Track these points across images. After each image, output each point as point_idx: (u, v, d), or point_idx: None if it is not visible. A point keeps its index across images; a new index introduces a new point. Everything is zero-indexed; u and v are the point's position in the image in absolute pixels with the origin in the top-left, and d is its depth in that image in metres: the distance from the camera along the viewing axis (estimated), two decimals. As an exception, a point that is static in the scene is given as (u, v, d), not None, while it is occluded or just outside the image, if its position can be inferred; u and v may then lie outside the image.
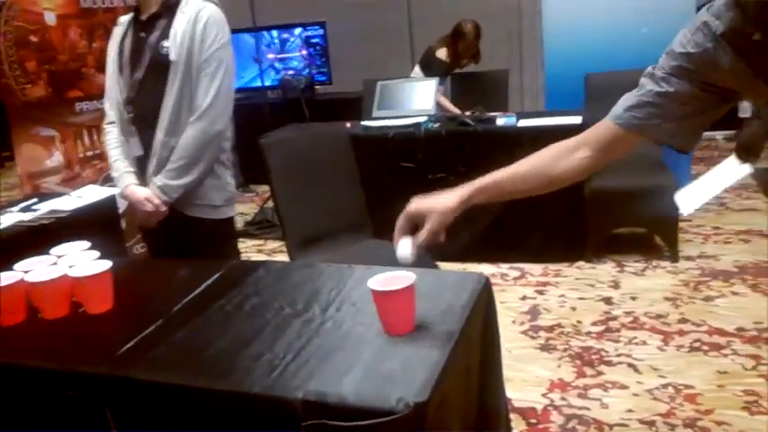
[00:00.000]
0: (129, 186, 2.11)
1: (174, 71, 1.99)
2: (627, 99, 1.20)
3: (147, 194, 2.07)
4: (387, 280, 1.26)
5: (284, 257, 2.76)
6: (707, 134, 6.06)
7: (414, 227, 1.28)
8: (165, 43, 2.00)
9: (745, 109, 6.00)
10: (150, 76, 2.04)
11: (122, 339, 1.35)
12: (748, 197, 4.50)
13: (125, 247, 3.24)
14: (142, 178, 2.12)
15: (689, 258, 3.54)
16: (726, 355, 2.58)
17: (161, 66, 2.01)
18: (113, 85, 2.13)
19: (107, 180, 3.12)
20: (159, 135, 2.04)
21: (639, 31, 3.99)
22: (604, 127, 1.22)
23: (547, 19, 4.16)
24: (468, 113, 4.33)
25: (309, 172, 2.71)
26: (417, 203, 1.29)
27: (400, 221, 1.29)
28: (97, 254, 1.61)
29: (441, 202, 1.28)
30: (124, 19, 2.17)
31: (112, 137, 2.17)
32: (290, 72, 6.14)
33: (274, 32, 6.22)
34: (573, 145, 1.26)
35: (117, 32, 2.15)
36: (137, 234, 3.45)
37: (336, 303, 1.42)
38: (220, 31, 2.03)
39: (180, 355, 1.29)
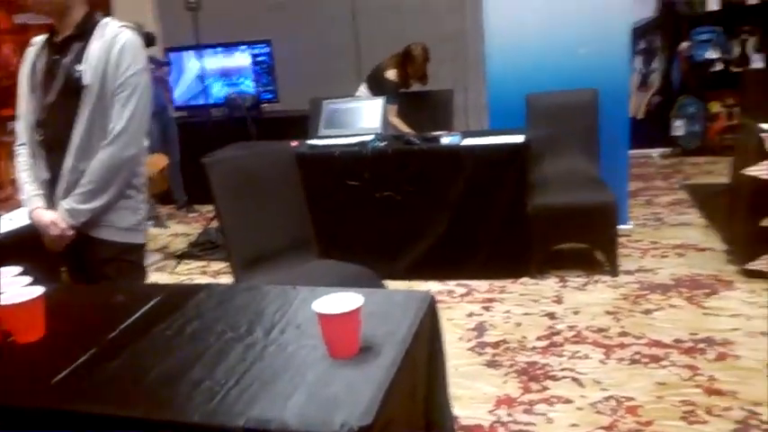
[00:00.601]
0: (36, 210, 2.07)
1: (87, 95, 1.97)
2: None
3: (53, 218, 2.03)
4: (332, 302, 1.25)
5: (229, 279, 2.71)
6: (643, 152, 6.31)
7: None
8: (79, 67, 1.97)
9: (679, 127, 6.27)
10: (62, 99, 2.00)
11: (55, 369, 1.29)
12: (682, 212, 4.67)
13: (59, 272, 3.12)
14: (50, 201, 2.07)
15: (628, 272, 3.65)
16: (664, 367, 2.66)
17: (74, 89, 1.98)
18: (25, 106, 2.08)
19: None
20: (69, 159, 2.00)
21: (577, 52, 4.12)
22: None
23: (489, 41, 4.25)
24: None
25: (254, 191, 2.67)
26: None
27: None
28: (29, 279, 1.55)
29: None
30: (38, 39, 2.12)
31: (23, 159, 2.12)
32: (236, 91, 6.08)
33: (219, 50, 6.16)
34: None
35: (30, 53, 2.11)
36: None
37: (280, 326, 1.40)
38: (136, 57, 2.01)
39: (116, 383, 1.25)
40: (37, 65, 2.06)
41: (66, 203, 2.02)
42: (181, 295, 1.62)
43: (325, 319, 1.23)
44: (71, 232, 2.03)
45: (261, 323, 1.42)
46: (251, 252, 2.62)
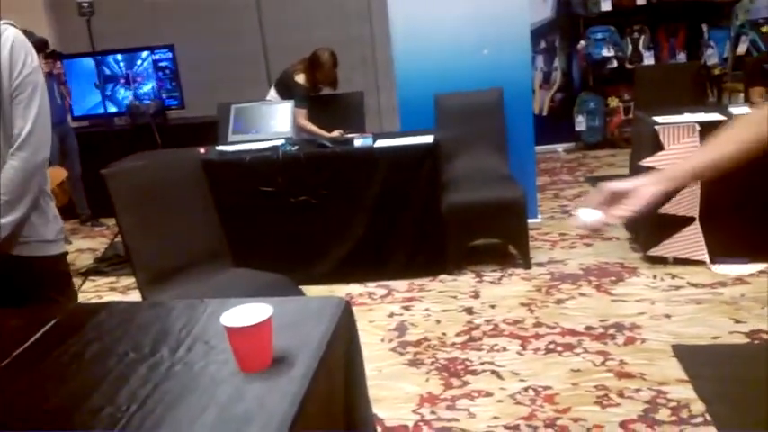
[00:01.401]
0: None
1: None
2: None
3: None
4: (242, 314, 1.20)
5: (139, 295, 2.58)
6: (549, 147, 6.55)
7: (608, 202, 1.25)
8: None
9: (581, 123, 6.55)
10: None
11: (-61, 404, 1.18)
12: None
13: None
14: None
15: (540, 264, 3.76)
16: (578, 354, 2.75)
17: None
18: None
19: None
20: None
21: (481, 53, 4.22)
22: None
23: (396, 44, 4.28)
24: (338, 133, 4.35)
25: (159, 202, 2.56)
26: (616, 183, 1.25)
27: (592, 197, 1.26)
28: None
29: (644, 185, 1.24)
30: None
31: None
32: (139, 98, 5.84)
33: (118, 57, 5.91)
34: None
35: None
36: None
37: (187, 343, 1.33)
38: (29, 55, 1.86)
39: (8, 415, 1.15)
40: None
41: None
42: (79, 316, 1.52)
43: (233, 332, 1.17)
44: None
45: (166, 341, 1.34)
46: (159, 266, 2.51)
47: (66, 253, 2.06)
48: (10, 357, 1.35)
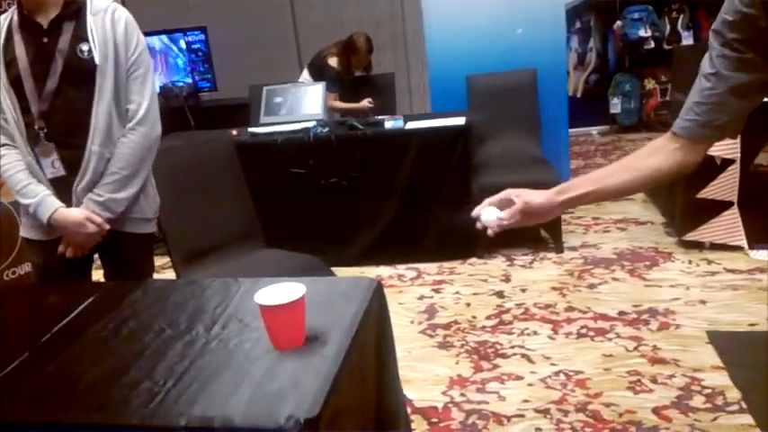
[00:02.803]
0: (59, 210, 1.85)
1: (101, 75, 1.81)
2: (683, 111, 1.21)
3: (86, 214, 1.84)
4: (275, 293, 1.21)
5: (173, 274, 2.63)
6: (583, 130, 6.44)
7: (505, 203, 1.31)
8: (84, 47, 1.81)
9: (616, 105, 6.42)
10: (67, 84, 1.82)
11: (-16, 377, 1.22)
12: (622, 188, 4.78)
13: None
14: (63, 200, 1.88)
15: (572, 249, 3.72)
16: (610, 339, 2.72)
17: (81, 72, 1.81)
18: (2, 102, 1.85)
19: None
20: (93, 146, 1.83)
21: (514, 33, 4.15)
22: (667, 143, 1.24)
23: (428, 23, 4.24)
24: (367, 101, 4.36)
25: (194, 183, 2.59)
26: (514, 189, 1.32)
27: (494, 197, 1.33)
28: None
29: (535, 192, 1.30)
30: None
31: (10, 159, 1.87)
32: (172, 80, 5.90)
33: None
34: (667, 138, 1.25)
35: None
36: (6, 259, 3.19)
37: (222, 320, 1.35)
38: (140, 33, 1.90)
39: (50, 389, 1.18)
40: (14, 52, 1.83)
41: (97, 195, 1.84)
42: (116, 293, 1.55)
43: (267, 310, 1.19)
44: (108, 226, 1.87)
45: (201, 319, 1.36)
46: (193, 246, 2.54)
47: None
48: (50, 333, 1.39)
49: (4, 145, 1.88)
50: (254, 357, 1.19)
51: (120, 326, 1.38)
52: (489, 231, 1.32)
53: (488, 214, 1.31)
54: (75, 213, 1.85)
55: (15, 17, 1.86)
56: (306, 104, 4.14)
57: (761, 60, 1.08)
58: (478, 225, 1.33)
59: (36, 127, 1.84)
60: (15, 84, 1.83)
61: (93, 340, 1.33)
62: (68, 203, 1.88)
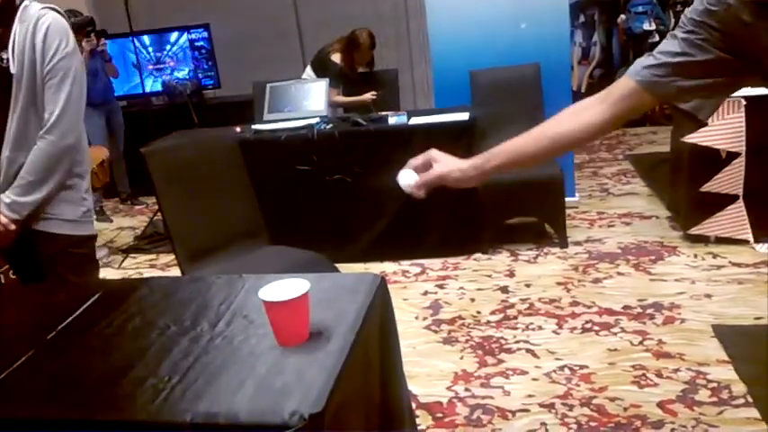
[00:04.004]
0: None
1: (17, 84, 1.86)
2: (645, 58, 1.19)
3: None
4: (279, 289, 1.21)
5: (179, 271, 2.64)
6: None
7: (425, 166, 1.33)
8: (4, 55, 1.85)
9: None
10: None
11: (-9, 374, 1.22)
12: (627, 182, 4.78)
13: (-2, 272, 2.99)
14: None
15: (577, 243, 3.71)
16: (615, 334, 2.72)
17: (1, 79, 1.86)
18: None
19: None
20: (5, 152, 1.90)
21: (518, 28, 4.14)
22: (622, 83, 1.22)
23: (432, 19, 4.23)
24: (370, 95, 4.37)
25: (197, 180, 2.60)
26: (437, 153, 1.34)
27: (416, 158, 1.35)
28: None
29: (455, 161, 1.33)
30: None
31: None
32: (176, 78, 5.91)
33: (156, 36, 5.97)
34: (588, 102, 1.26)
35: None
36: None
37: (227, 317, 1.35)
38: (63, 40, 1.90)
39: (56, 386, 1.19)
40: None
41: (5, 197, 1.90)
42: (121, 291, 1.56)
43: (271, 306, 1.19)
44: (13, 227, 1.91)
45: (206, 315, 1.37)
46: (197, 243, 2.55)
47: (93, 237, 2.10)
48: (56, 330, 1.40)
49: None
50: (259, 353, 1.19)
51: (126, 323, 1.38)
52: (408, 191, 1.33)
53: (405, 178, 1.32)
54: None
55: None
56: (309, 101, 4.14)
57: (727, 59, 1.09)
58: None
59: None
60: None
61: (99, 337, 1.34)
62: None
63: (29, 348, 1.32)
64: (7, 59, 1.85)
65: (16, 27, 1.86)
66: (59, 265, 2.00)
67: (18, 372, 1.24)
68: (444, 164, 1.32)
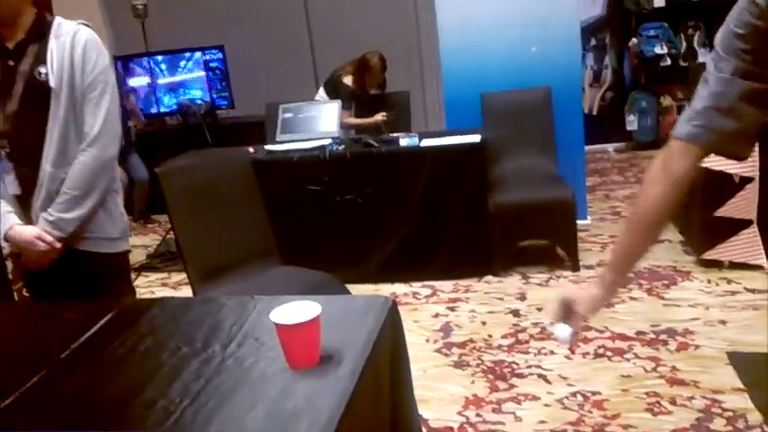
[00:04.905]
0: (14, 227, 1.92)
1: (55, 98, 1.87)
2: (685, 114, 1.14)
3: (37, 232, 1.89)
4: (291, 312, 1.21)
5: (191, 290, 2.65)
6: (599, 147, 6.41)
7: (567, 311, 1.30)
8: (42, 69, 1.87)
9: (633, 122, 6.40)
10: (26, 106, 1.89)
11: (3, 393, 1.23)
12: (639, 205, 4.75)
13: (11, 291, 3.01)
14: (24, 217, 1.95)
15: (589, 267, 3.69)
16: (628, 359, 2.69)
17: (39, 94, 1.87)
18: None
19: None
20: (46, 167, 1.89)
21: (529, 51, 4.16)
22: (672, 147, 1.16)
23: (443, 41, 4.26)
24: (381, 116, 4.39)
25: (210, 200, 2.61)
26: (570, 293, 1.31)
27: (555, 306, 1.31)
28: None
29: (585, 291, 1.30)
30: None
31: None
32: (190, 98, 5.97)
33: (171, 57, 6.05)
34: (654, 178, 1.19)
35: None
36: (21, 275, 3.22)
37: (238, 339, 1.35)
38: (100, 54, 1.93)
39: (67, 406, 1.19)
40: None
41: (48, 215, 1.89)
42: (134, 311, 1.57)
43: (282, 329, 1.19)
44: (59, 245, 1.91)
45: (217, 337, 1.37)
46: (209, 263, 2.55)
47: (129, 251, 2.10)
48: (69, 349, 1.40)
49: None
50: (270, 376, 1.19)
51: (137, 343, 1.38)
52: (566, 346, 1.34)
53: (562, 332, 1.31)
54: (27, 231, 1.91)
55: None
56: (322, 122, 4.17)
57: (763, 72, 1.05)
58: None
59: None
60: None
61: (111, 357, 1.34)
62: (29, 221, 1.94)
63: (41, 367, 1.32)
64: (45, 74, 1.87)
65: (52, 43, 1.89)
66: (103, 283, 1.99)
67: (31, 390, 1.25)
68: (583, 302, 1.29)
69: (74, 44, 1.88)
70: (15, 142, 1.91)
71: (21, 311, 1.86)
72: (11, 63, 1.90)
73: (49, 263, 1.95)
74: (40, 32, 1.91)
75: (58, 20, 1.95)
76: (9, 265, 2.89)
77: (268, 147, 4.03)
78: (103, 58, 1.93)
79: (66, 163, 1.90)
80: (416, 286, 3.69)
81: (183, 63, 6.08)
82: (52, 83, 1.86)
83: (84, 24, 1.95)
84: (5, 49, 1.92)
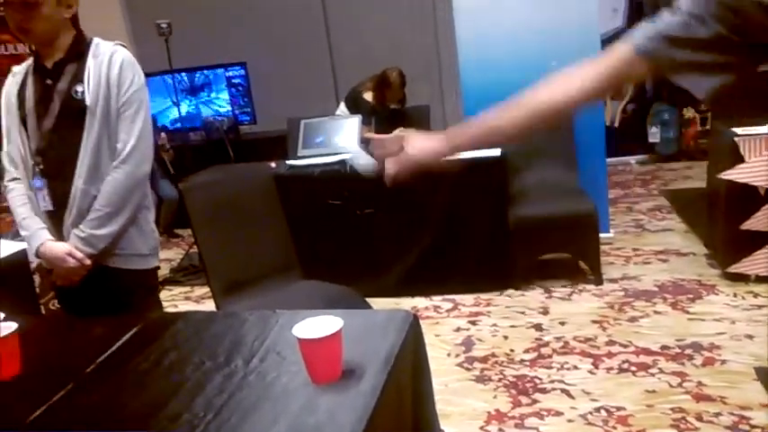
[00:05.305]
0: (45, 243, 1.96)
1: (90, 116, 1.91)
2: (646, 26, 1.12)
3: (68, 249, 1.93)
4: (313, 326, 1.22)
5: (213, 304, 2.67)
6: (621, 159, 6.36)
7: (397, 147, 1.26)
8: (79, 88, 1.92)
9: (655, 134, 6.35)
10: (62, 124, 1.93)
11: (31, 406, 1.25)
12: (663, 218, 4.70)
13: (39, 304, 3.06)
14: (56, 233, 1.99)
15: (612, 280, 3.65)
16: (653, 375, 2.65)
17: (74, 112, 1.91)
18: (14, 138, 2.00)
19: (17, 235, 2.94)
20: (78, 184, 1.92)
21: (549, 64, 4.15)
22: (619, 49, 1.15)
23: (462, 55, 4.27)
24: (398, 131, 4.40)
25: (233, 214, 2.64)
26: (406, 133, 1.27)
27: (385, 139, 1.28)
28: (1, 315, 1.51)
29: (426, 139, 1.26)
30: (19, 68, 2.05)
31: (17, 193, 2.02)
32: (213, 114, 6.06)
33: (194, 74, 6.14)
34: (580, 69, 1.19)
35: (12, 82, 2.03)
36: (52, 290, 3.28)
37: (260, 353, 1.36)
38: (136, 74, 1.97)
39: (92, 419, 1.21)
40: (25, 93, 1.98)
41: (80, 231, 1.92)
42: (158, 325, 1.59)
43: (305, 343, 1.20)
44: (88, 262, 1.94)
45: (240, 351, 1.38)
46: (232, 277, 2.58)
47: (158, 267, 2.13)
48: (95, 363, 1.42)
49: (14, 179, 2.04)
50: (292, 391, 1.20)
51: (161, 358, 1.40)
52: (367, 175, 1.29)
53: (359, 158, 1.28)
54: (58, 247, 1.94)
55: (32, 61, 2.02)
56: (342, 137, 4.19)
57: (732, 39, 1.02)
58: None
59: (32, 163, 1.97)
60: (24, 122, 1.98)
61: (135, 372, 1.36)
62: (61, 237, 1.97)
63: (68, 381, 1.34)
64: (82, 92, 1.91)
65: (90, 62, 1.94)
66: (132, 299, 2.02)
67: (58, 403, 1.27)
68: (416, 146, 1.25)
69: (111, 64, 1.93)
70: (50, 159, 1.95)
71: (49, 325, 1.89)
72: (49, 82, 1.95)
73: (78, 280, 1.98)
74: (79, 52, 1.96)
75: (96, 40, 2.00)
76: (37, 279, 2.96)
77: (289, 161, 4.06)
78: (139, 77, 1.98)
79: (98, 180, 1.93)
80: (437, 300, 3.69)
81: (206, 80, 6.17)
82: (88, 101, 1.90)
83: (120, 45, 2.00)
84: (44, 68, 1.97)
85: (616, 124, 6.46)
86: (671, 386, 2.55)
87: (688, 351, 2.80)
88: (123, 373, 1.36)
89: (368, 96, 4.71)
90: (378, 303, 3.30)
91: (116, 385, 1.32)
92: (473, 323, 3.35)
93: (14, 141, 2.00)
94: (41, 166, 1.96)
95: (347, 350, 1.24)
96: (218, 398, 1.19)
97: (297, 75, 6.33)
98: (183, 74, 6.05)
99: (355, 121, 4.27)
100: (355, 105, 4.72)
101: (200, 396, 1.21)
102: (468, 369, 2.88)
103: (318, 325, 1.21)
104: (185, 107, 6.15)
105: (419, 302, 3.67)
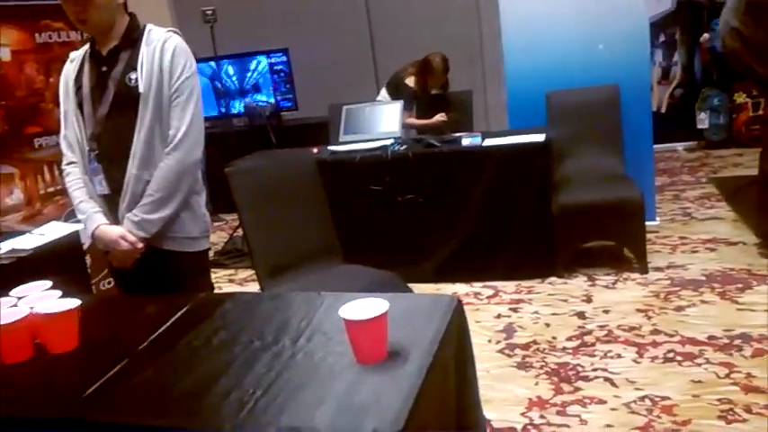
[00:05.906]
0: (100, 227, 2.02)
1: (143, 103, 1.95)
2: None
3: (121, 232, 1.98)
4: (358, 308, 1.24)
5: (256, 286, 2.72)
6: (668, 146, 6.21)
7: None
8: (132, 75, 1.96)
9: (704, 120, 6.17)
10: (116, 110, 1.98)
11: (87, 381, 1.30)
12: (711, 206, 4.58)
13: (90, 285, 3.17)
14: (111, 217, 2.04)
15: (658, 269, 3.58)
16: (699, 365, 2.60)
17: (128, 99, 1.96)
18: (71, 123, 2.06)
19: (70, 216, 3.04)
20: (132, 169, 1.97)
21: (596, 48, 4.08)
22: None
23: (507, 40, 4.22)
24: (440, 116, 4.41)
25: (276, 199, 2.68)
26: None
27: None
28: (59, 293, 1.57)
29: None
30: (76, 54, 2.10)
31: (74, 177, 2.08)
32: (255, 100, 6.13)
33: (237, 61, 6.21)
34: None
35: (70, 68, 2.08)
36: (103, 270, 3.38)
37: (307, 333, 1.39)
38: (188, 60, 2.01)
39: (146, 395, 1.25)
40: (82, 79, 2.03)
41: (133, 216, 1.97)
42: (207, 305, 1.63)
43: (351, 325, 1.22)
44: (141, 245, 1.99)
45: (287, 331, 1.41)
46: (276, 260, 2.62)
47: (209, 249, 2.18)
48: (147, 341, 1.47)
49: (71, 163, 2.09)
50: (338, 371, 1.22)
51: (211, 336, 1.44)
52: None
53: None
54: (112, 231, 1.99)
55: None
56: (384, 123, 4.20)
57: None
58: None
59: (88, 148, 2.02)
60: (80, 108, 2.03)
61: (186, 350, 1.40)
62: (116, 220, 2.02)
63: (124, 357, 1.39)
64: (135, 79, 1.95)
65: (143, 49, 1.98)
66: (184, 280, 2.06)
67: (113, 378, 1.31)
68: None
69: (163, 50, 1.96)
70: (105, 145, 2.00)
71: (104, 306, 1.95)
72: (104, 69, 2.00)
73: (132, 262, 2.03)
74: (133, 39, 2.00)
75: (149, 27, 2.04)
76: (88, 260, 3.06)
77: (331, 147, 4.09)
78: (191, 64, 2.01)
79: (151, 165, 1.97)
80: (478, 286, 3.68)
81: (249, 66, 6.23)
82: (141, 88, 1.94)
83: (174, 32, 2.04)
84: (99, 55, 2.02)
85: (663, 110, 6.30)
86: (718, 377, 2.50)
87: (737, 342, 2.74)
88: (175, 350, 1.40)
89: (410, 82, 4.70)
90: (418, 289, 3.31)
91: (168, 362, 1.36)
92: (514, 310, 3.33)
93: (71, 126, 2.06)
94: (96, 152, 2.02)
95: (391, 333, 1.25)
96: (267, 376, 1.22)
97: (338, 61, 6.34)
98: (227, 60, 6.12)
99: (397, 106, 4.27)
100: (397, 91, 4.71)
101: (249, 374, 1.24)
102: (509, 356, 2.87)
103: (364, 307, 1.23)
104: (229, 93, 6.22)
105: (459, 289, 3.67)
